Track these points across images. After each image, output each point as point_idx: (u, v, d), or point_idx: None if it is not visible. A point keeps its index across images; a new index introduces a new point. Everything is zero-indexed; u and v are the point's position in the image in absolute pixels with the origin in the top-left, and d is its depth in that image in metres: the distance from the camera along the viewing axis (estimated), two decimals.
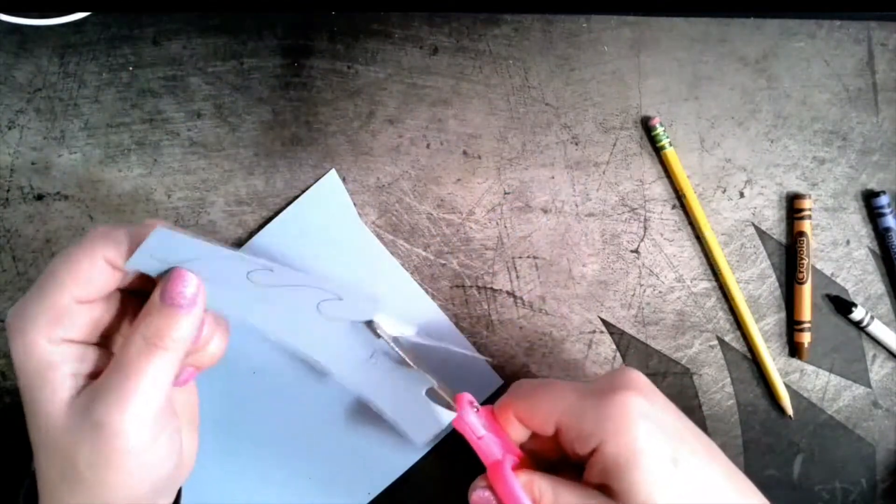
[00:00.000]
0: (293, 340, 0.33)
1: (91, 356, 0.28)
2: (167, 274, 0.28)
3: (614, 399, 0.29)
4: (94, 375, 0.28)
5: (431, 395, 0.34)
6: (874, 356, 0.44)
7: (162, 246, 0.27)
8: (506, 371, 0.42)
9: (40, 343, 0.26)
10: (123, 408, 0.26)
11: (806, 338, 0.43)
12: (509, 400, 0.33)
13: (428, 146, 0.43)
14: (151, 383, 0.26)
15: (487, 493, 0.30)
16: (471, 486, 0.31)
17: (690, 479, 0.28)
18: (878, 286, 0.45)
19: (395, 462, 0.41)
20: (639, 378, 0.31)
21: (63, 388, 0.27)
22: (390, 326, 0.35)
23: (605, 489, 0.29)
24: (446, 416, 0.34)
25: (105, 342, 0.29)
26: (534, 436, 0.33)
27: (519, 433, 0.33)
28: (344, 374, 0.35)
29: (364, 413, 0.41)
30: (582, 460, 0.30)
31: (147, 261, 0.27)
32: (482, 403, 0.41)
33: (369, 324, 0.34)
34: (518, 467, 0.32)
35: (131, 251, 0.27)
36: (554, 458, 0.33)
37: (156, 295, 0.27)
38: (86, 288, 0.27)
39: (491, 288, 0.43)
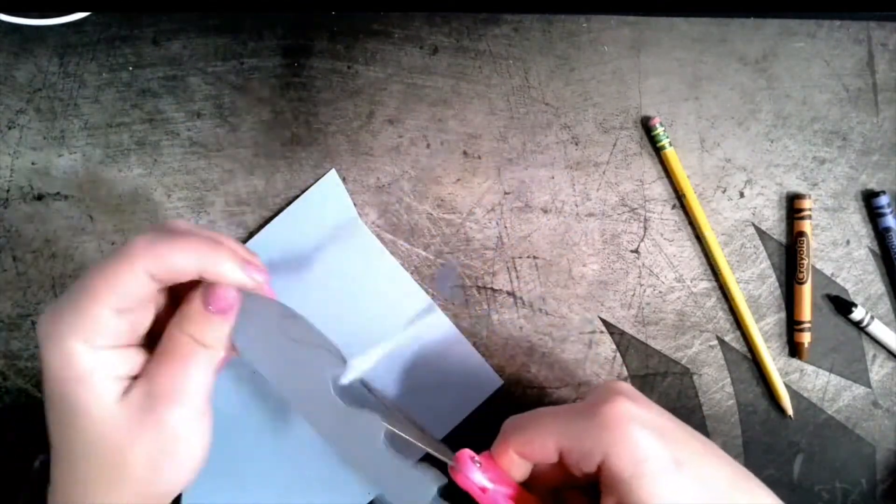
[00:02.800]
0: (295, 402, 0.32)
1: (129, 356, 0.29)
2: (210, 283, 0.29)
3: (607, 409, 0.29)
4: (134, 374, 0.29)
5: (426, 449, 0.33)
6: (874, 356, 0.44)
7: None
8: (506, 371, 0.42)
9: (79, 350, 0.27)
10: (183, 402, 0.28)
11: (806, 338, 0.43)
12: (505, 439, 0.32)
13: (428, 146, 0.43)
14: (202, 378, 0.29)
15: None
16: None
17: (695, 479, 0.28)
18: (878, 286, 0.45)
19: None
20: (625, 386, 0.31)
21: (109, 391, 0.28)
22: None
23: None
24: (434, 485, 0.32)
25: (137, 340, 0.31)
26: (537, 469, 0.32)
27: (521, 470, 0.32)
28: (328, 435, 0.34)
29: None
30: (591, 480, 0.30)
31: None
32: (484, 404, 0.41)
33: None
34: None
35: (171, 265, 0.28)
36: (562, 484, 0.33)
37: (197, 300, 0.29)
38: (125, 300, 0.28)
39: (491, 288, 0.43)
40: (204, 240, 0.29)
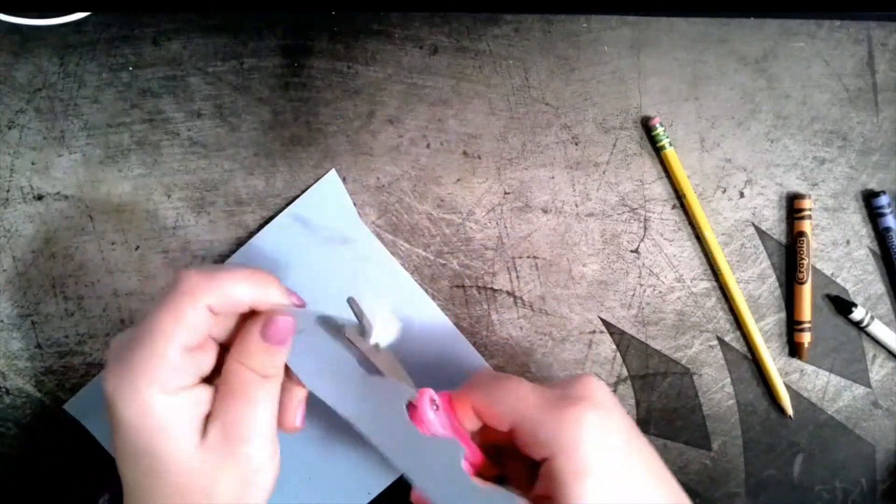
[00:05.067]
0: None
1: (199, 396, 0.30)
2: (265, 315, 0.30)
3: (569, 414, 0.29)
4: (205, 412, 0.30)
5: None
6: (874, 356, 0.44)
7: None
8: (506, 371, 0.42)
9: (156, 399, 0.28)
10: (256, 435, 0.29)
11: (806, 338, 0.43)
12: (468, 391, 0.33)
13: (428, 146, 0.43)
14: (270, 407, 0.30)
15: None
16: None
17: (627, 493, 0.29)
18: (878, 286, 0.45)
19: None
20: (597, 389, 0.31)
21: (189, 434, 0.29)
22: (376, 330, 0.34)
23: (549, 500, 0.29)
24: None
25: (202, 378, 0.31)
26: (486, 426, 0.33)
27: (473, 423, 0.33)
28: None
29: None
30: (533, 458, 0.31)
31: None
32: None
33: (341, 330, 0.34)
34: (474, 467, 0.32)
35: (228, 296, 0.29)
36: (507, 446, 0.33)
37: (256, 332, 0.30)
38: (193, 336, 0.29)
39: (491, 288, 0.43)
40: (251, 270, 0.31)
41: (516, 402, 0.31)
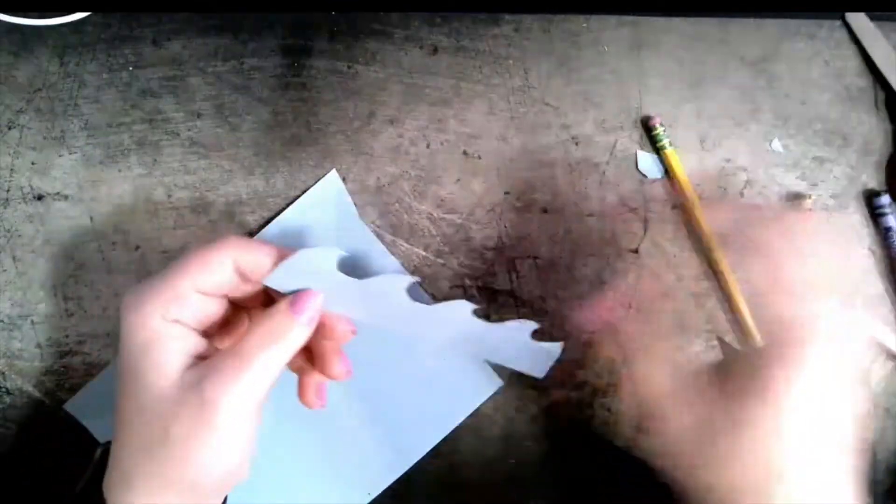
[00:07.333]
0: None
1: (197, 341, 0.30)
2: (299, 290, 0.31)
3: None
4: (199, 357, 0.30)
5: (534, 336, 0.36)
6: (874, 356, 0.44)
7: (300, 266, 0.31)
8: (506, 371, 0.42)
9: (154, 318, 0.29)
10: (232, 389, 0.28)
11: None
12: None
13: (428, 146, 0.43)
14: (262, 371, 0.29)
15: None
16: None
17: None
18: (878, 286, 0.45)
19: (395, 462, 0.41)
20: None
21: (171, 360, 0.29)
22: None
23: None
24: (555, 349, 0.37)
25: (209, 336, 0.32)
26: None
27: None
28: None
29: (364, 413, 0.41)
30: None
31: (282, 279, 0.31)
32: (482, 405, 0.41)
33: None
34: None
35: (256, 258, 0.31)
36: None
37: (284, 303, 0.31)
38: (208, 281, 0.30)
39: (491, 288, 0.43)
40: (280, 248, 0.32)
41: None
